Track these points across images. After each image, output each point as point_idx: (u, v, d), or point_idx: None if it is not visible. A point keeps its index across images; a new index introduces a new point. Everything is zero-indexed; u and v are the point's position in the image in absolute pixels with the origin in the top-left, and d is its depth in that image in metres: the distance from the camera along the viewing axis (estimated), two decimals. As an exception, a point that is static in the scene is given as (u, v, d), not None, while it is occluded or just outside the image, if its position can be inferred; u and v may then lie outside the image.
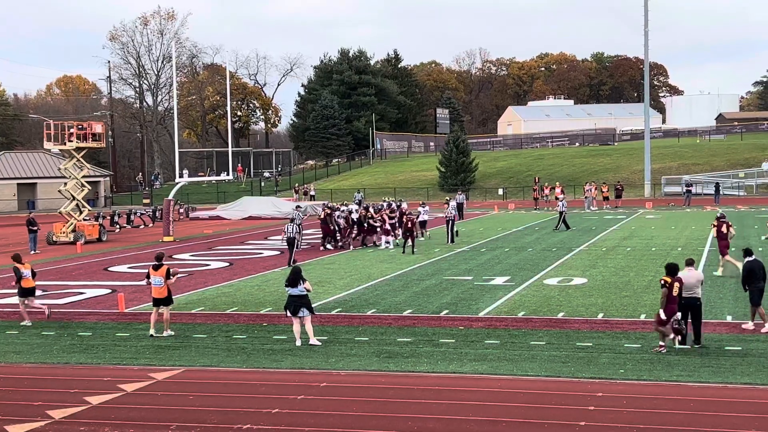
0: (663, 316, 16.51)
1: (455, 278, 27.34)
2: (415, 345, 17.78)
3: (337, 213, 38.47)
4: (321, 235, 38.19)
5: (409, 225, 35.76)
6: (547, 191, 64.38)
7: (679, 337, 16.76)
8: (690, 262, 17.56)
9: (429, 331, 19.12)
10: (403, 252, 35.10)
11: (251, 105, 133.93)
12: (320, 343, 17.97)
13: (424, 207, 42.25)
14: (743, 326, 18.45)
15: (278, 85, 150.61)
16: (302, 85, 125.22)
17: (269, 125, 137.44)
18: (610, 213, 55.55)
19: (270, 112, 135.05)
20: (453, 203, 42.74)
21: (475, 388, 14.47)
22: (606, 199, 61.21)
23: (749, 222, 44.96)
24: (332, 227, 37.40)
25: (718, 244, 26.96)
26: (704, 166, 76.10)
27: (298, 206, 48.00)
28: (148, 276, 19.79)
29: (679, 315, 16.64)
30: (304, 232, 40.58)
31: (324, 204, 42.25)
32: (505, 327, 19.41)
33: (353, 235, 38.21)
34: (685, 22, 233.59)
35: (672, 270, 16.74)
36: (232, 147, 50.90)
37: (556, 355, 16.52)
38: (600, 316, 20.31)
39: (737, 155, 78.89)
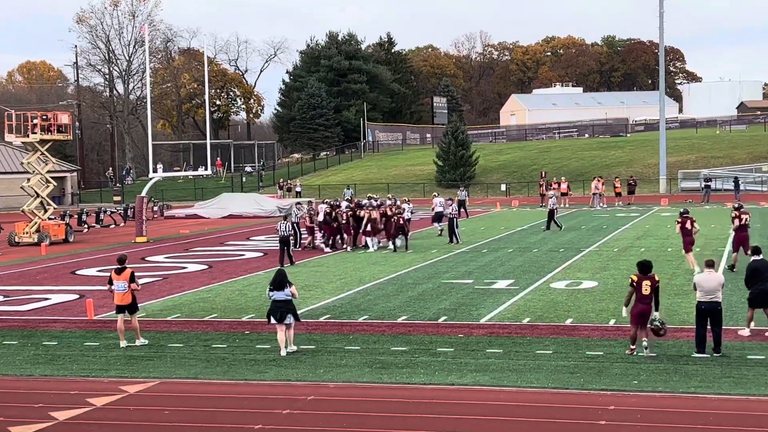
0: (624, 314, 17.48)
1: (454, 281, 27.37)
2: (410, 354, 17.80)
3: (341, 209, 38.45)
4: (325, 235, 38.00)
5: (401, 222, 36.03)
6: (554, 186, 64.25)
7: (645, 342, 17.09)
8: (710, 264, 17.61)
9: (426, 340, 19.14)
10: (394, 251, 35.35)
11: (231, 93, 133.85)
12: (296, 348, 18.05)
13: (408, 205, 42.47)
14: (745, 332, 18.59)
15: (261, 71, 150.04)
16: (287, 72, 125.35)
17: (251, 115, 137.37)
18: (623, 210, 55.67)
19: (252, 101, 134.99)
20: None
21: (475, 401, 14.49)
22: (618, 195, 61.25)
23: (773, 220, 45.07)
24: (340, 225, 37.27)
25: (682, 240, 28.41)
26: (724, 159, 76.28)
27: (298, 203, 47.94)
28: (110, 281, 19.66)
29: (657, 314, 17.09)
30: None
31: (325, 202, 42.04)
32: (509, 334, 19.44)
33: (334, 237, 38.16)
34: (703, 3, 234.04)
35: (643, 268, 17.20)
36: (210, 139, 50.84)
37: (563, 365, 16.56)
38: (612, 322, 20.35)
39: (760, 147, 79.05)
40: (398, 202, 41.99)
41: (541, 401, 14.44)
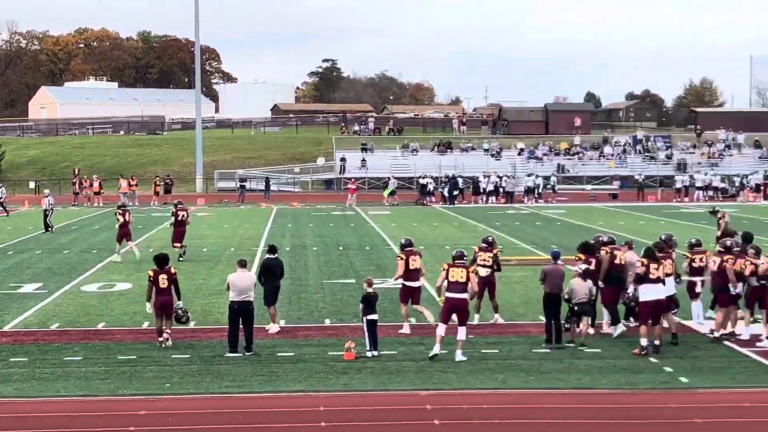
0: (149, 310, 18.43)
1: (-26, 287, 25.89)
2: None
3: None
4: None
5: None
6: (86, 185, 62.83)
7: (163, 338, 18.14)
8: (243, 264, 18.31)
9: (-61, 352, 17.90)
10: None
11: None
12: None
13: None
14: (269, 331, 19.51)
15: None
16: None
17: None
18: (159, 209, 55.84)
19: None
20: None
21: (-4, 416, 13.81)
22: (157, 194, 61.65)
23: (304, 220, 47.59)
24: None
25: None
26: (259, 160, 79.39)
27: None
28: None
29: (180, 303, 18.48)
30: None
31: None
32: (35, 341, 18.85)
33: None
34: (240, 6, 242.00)
35: (159, 262, 18.44)
36: None
37: (94, 372, 16.33)
38: (145, 325, 20.34)
39: (293, 149, 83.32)
40: None
41: (67, 410, 14.09)
